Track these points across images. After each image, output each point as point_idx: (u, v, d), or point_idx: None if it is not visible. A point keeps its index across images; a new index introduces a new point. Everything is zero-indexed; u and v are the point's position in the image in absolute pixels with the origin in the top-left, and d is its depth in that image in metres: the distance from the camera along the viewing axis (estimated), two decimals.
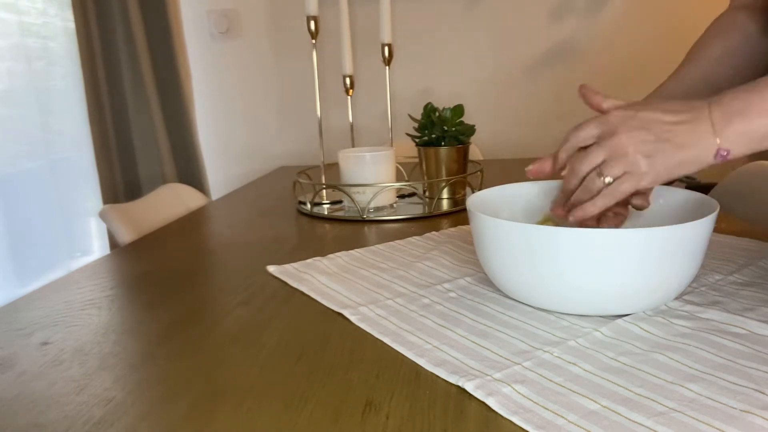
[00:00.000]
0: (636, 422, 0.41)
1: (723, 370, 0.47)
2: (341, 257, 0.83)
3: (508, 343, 0.54)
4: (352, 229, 1.01)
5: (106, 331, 0.63)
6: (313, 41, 1.21)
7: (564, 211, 0.61)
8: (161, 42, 1.85)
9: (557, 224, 0.60)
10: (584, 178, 0.57)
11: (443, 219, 1.04)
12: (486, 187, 0.73)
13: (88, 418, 0.46)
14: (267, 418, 0.44)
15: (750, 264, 0.70)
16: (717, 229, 0.74)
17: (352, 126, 1.36)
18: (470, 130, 1.15)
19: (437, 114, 1.14)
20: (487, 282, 0.69)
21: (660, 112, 0.55)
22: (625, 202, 0.63)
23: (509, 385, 0.46)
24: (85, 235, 1.82)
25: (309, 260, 0.82)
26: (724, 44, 0.73)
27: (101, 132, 1.78)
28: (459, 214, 1.06)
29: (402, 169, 1.31)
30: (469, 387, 0.46)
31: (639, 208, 0.62)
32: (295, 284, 0.73)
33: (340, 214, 1.11)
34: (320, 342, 0.57)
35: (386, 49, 1.26)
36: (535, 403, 0.44)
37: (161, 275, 0.82)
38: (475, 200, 0.69)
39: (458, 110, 1.14)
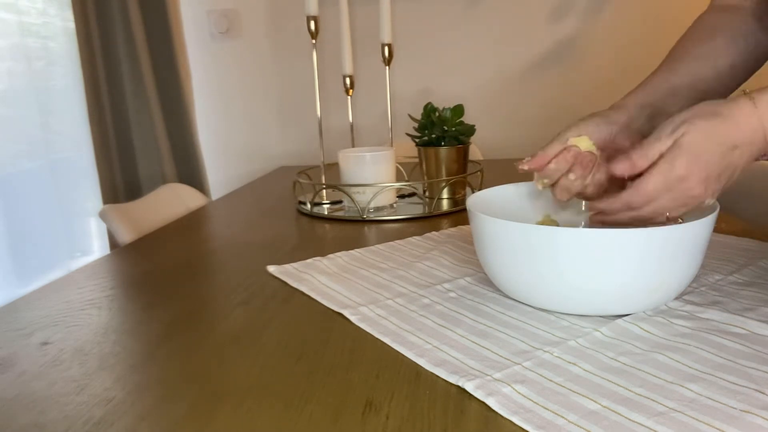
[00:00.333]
0: (636, 422, 0.41)
1: (723, 370, 0.47)
2: (341, 257, 0.83)
3: (508, 343, 0.54)
4: (352, 229, 1.01)
5: (106, 331, 0.63)
6: (313, 41, 1.21)
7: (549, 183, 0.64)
8: (161, 42, 1.85)
9: (557, 224, 0.60)
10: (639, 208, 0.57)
11: (443, 219, 1.04)
12: (486, 187, 0.73)
13: (88, 418, 0.46)
14: (267, 418, 0.44)
15: (750, 264, 0.70)
16: (717, 229, 0.74)
17: (352, 126, 1.36)
18: (470, 130, 1.15)
19: (437, 114, 1.14)
20: (487, 282, 0.69)
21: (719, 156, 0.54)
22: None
23: (509, 385, 0.46)
24: (85, 235, 1.82)
25: (309, 260, 0.82)
26: (707, 45, 0.72)
27: (101, 132, 1.78)
28: (459, 214, 1.06)
29: (402, 169, 1.31)
30: (469, 387, 0.46)
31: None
32: (295, 284, 0.73)
33: (340, 214, 1.11)
34: (320, 342, 0.57)
35: (386, 49, 1.26)
36: (535, 403, 0.44)
37: (161, 275, 0.82)
38: (475, 200, 0.69)
39: (458, 110, 1.14)
